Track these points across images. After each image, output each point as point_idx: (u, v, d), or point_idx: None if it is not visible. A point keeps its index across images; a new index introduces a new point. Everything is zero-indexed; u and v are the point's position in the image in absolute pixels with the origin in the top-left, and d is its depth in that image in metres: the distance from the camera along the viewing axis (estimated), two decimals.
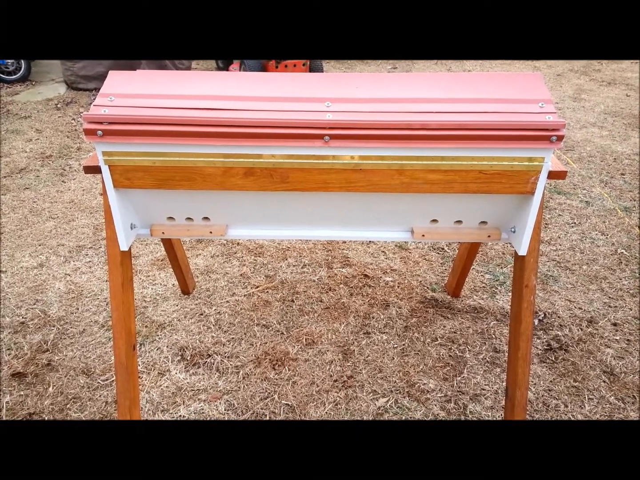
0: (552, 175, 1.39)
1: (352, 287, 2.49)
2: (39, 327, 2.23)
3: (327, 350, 2.12)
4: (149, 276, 2.56)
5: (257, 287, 2.49)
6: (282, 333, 2.21)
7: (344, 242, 2.84)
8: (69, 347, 2.13)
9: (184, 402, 1.88)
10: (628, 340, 2.17)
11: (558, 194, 3.36)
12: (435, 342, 2.16)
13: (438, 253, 2.76)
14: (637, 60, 6.62)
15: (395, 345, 2.15)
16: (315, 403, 1.88)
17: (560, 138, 1.29)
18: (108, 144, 1.31)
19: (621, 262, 2.66)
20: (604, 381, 1.98)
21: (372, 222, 1.58)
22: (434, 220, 1.55)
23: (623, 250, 2.75)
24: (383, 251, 2.77)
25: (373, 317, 2.29)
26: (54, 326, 2.24)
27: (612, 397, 1.91)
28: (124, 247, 1.46)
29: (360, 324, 2.26)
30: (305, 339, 2.17)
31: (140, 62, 5.39)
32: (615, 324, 2.25)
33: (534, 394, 1.92)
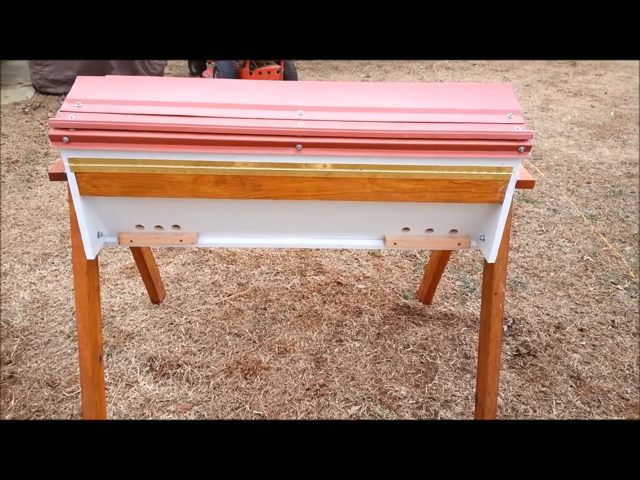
0: (520, 184, 1.42)
1: (325, 294, 2.49)
2: (2, 338, 2.16)
3: (300, 359, 2.10)
4: (117, 285, 2.51)
5: (230, 295, 2.46)
6: (255, 342, 2.18)
7: (318, 249, 2.84)
8: (32, 358, 2.07)
9: (152, 414, 1.84)
10: (594, 345, 2.22)
11: (526, 201, 3.43)
12: (407, 349, 2.17)
13: (410, 260, 2.79)
14: (601, 73, 6.84)
15: (368, 353, 2.15)
16: (287, 412, 1.87)
17: (528, 148, 1.31)
18: (74, 151, 1.27)
19: (587, 269, 2.72)
20: (571, 386, 2.02)
21: (344, 230, 1.58)
22: (406, 229, 1.56)
23: (589, 257, 2.82)
24: (356, 259, 2.78)
25: (346, 325, 2.29)
26: (17, 337, 2.17)
27: (579, 402, 1.95)
28: (90, 255, 1.43)
29: (333, 332, 2.25)
30: (278, 348, 2.15)
31: (112, 67, 5.30)
32: (581, 330, 2.30)
33: (504, 399, 1.95)
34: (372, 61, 7.50)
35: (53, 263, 2.65)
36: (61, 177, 1.36)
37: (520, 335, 2.26)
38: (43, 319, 2.27)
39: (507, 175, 1.36)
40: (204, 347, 2.14)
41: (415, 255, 2.83)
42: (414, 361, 2.11)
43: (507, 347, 2.20)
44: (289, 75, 5.83)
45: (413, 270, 2.69)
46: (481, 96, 1.41)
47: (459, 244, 1.60)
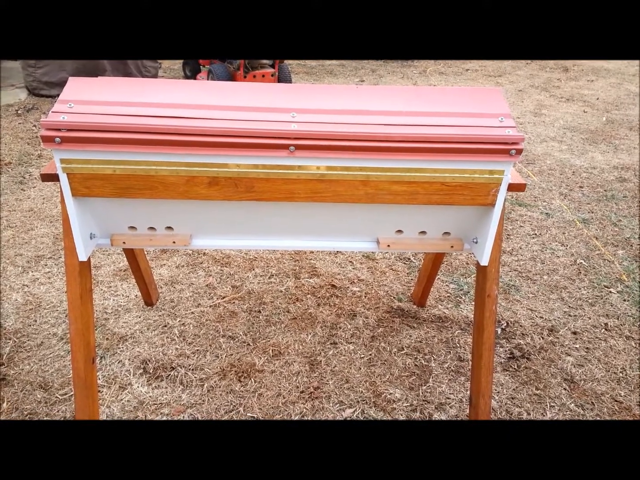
0: (511, 187, 1.43)
1: (319, 297, 2.49)
2: None
3: (294, 361, 2.10)
4: (110, 287, 2.50)
5: (223, 297, 2.46)
6: (249, 344, 2.18)
7: (312, 252, 2.84)
8: (25, 360, 2.05)
9: (146, 417, 1.83)
10: (587, 348, 2.23)
11: (519, 205, 3.44)
12: (402, 352, 2.17)
13: (404, 263, 2.79)
14: (592, 79, 6.89)
15: (362, 356, 2.15)
16: (281, 415, 1.86)
17: (519, 151, 1.32)
18: (66, 152, 1.27)
19: (580, 272, 2.74)
20: (565, 389, 2.02)
21: (338, 232, 1.58)
22: (399, 231, 1.57)
23: (582, 261, 2.84)
24: (351, 261, 2.78)
25: (340, 327, 2.29)
26: (10, 339, 2.15)
27: (572, 404, 1.95)
28: (82, 257, 1.42)
29: (328, 335, 2.25)
30: (272, 350, 2.15)
31: (105, 69, 5.30)
32: (575, 333, 2.31)
33: (498, 402, 1.95)
34: (366, 66, 7.53)
35: (46, 265, 2.64)
36: (53, 178, 1.36)
37: (514, 338, 2.27)
38: (36, 321, 2.26)
39: (498, 178, 1.37)
40: (197, 350, 2.14)
41: (409, 258, 2.83)
42: (408, 364, 2.11)
43: (501, 350, 2.21)
44: (283, 79, 5.84)
45: (407, 273, 2.70)
46: (472, 100, 1.42)
47: (452, 247, 1.60)
